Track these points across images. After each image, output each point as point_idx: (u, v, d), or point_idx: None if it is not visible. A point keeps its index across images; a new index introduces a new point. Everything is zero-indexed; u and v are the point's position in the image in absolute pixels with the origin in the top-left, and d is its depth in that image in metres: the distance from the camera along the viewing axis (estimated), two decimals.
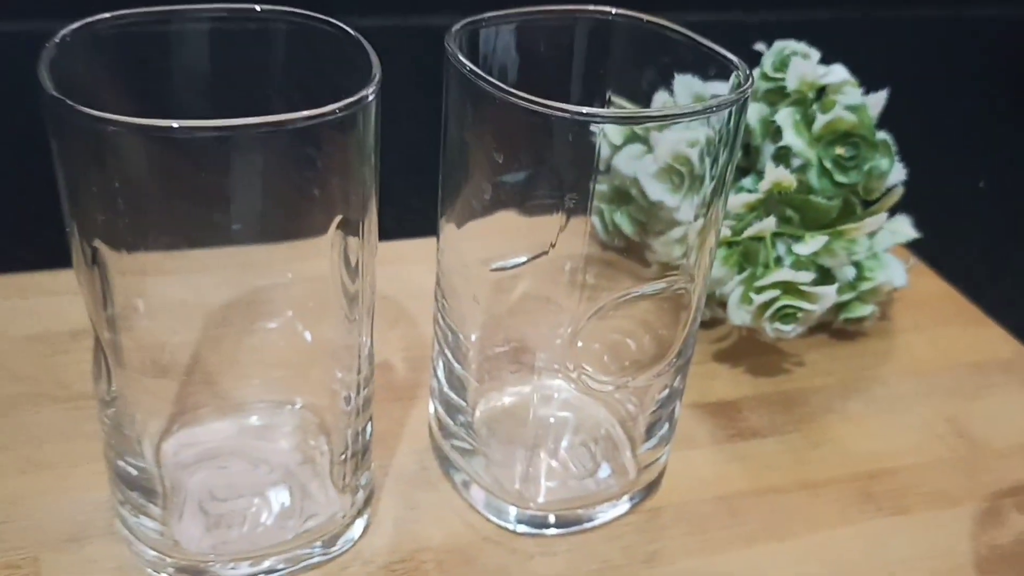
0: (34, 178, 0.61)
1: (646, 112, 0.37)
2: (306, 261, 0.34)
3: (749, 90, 0.32)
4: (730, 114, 0.32)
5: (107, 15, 0.30)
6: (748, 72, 0.33)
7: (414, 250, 0.52)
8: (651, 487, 0.40)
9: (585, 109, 0.30)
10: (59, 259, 0.49)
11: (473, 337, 0.38)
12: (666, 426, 0.38)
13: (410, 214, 0.59)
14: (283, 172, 0.30)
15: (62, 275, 0.48)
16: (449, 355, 0.39)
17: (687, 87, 0.39)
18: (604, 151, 0.44)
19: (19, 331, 0.44)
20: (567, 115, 0.30)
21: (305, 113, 0.27)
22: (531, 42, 0.36)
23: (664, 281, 0.36)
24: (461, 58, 0.32)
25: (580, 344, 0.38)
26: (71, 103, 0.26)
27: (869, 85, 0.48)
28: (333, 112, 0.27)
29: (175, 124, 0.26)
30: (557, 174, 0.35)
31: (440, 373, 0.39)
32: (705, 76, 0.36)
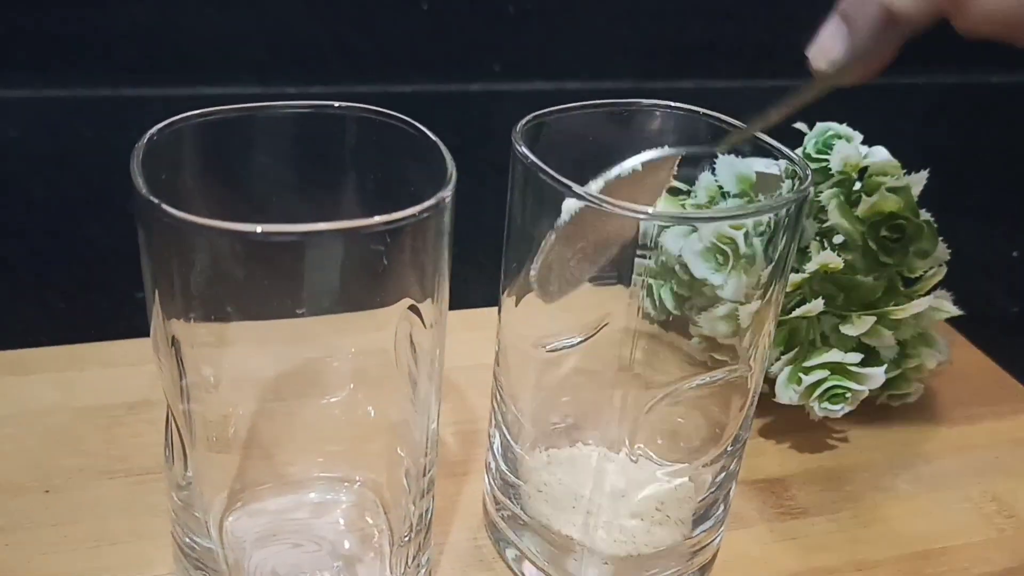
0: (90, 247, 0.63)
1: (706, 214, 0.38)
2: (371, 335, 0.35)
3: (809, 189, 0.33)
4: (790, 206, 0.33)
5: (194, 112, 0.31)
6: (807, 168, 0.34)
7: (463, 320, 0.52)
8: (704, 569, 0.40)
9: (650, 209, 0.31)
10: (115, 329, 0.50)
11: (527, 413, 0.39)
12: (721, 508, 0.39)
13: (459, 284, 0.60)
14: (356, 267, 0.30)
15: (116, 346, 0.49)
16: (506, 431, 0.39)
17: (729, 167, 0.40)
18: (652, 229, 0.45)
19: (77, 403, 0.45)
20: (629, 215, 0.31)
21: (382, 218, 0.28)
22: (592, 132, 0.37)
23: (723, 371, 0.36)
24: (526, 151, 0.33)
25: (634, 423, 0.39)
26: (162, 205, 0.27)
27: (893, 149, 0.49)
28: (411, 216, 0.28)
29: (258, 229, 0.27)
30: (616, 257, 0.36)
31: (496, 449, 0.40)
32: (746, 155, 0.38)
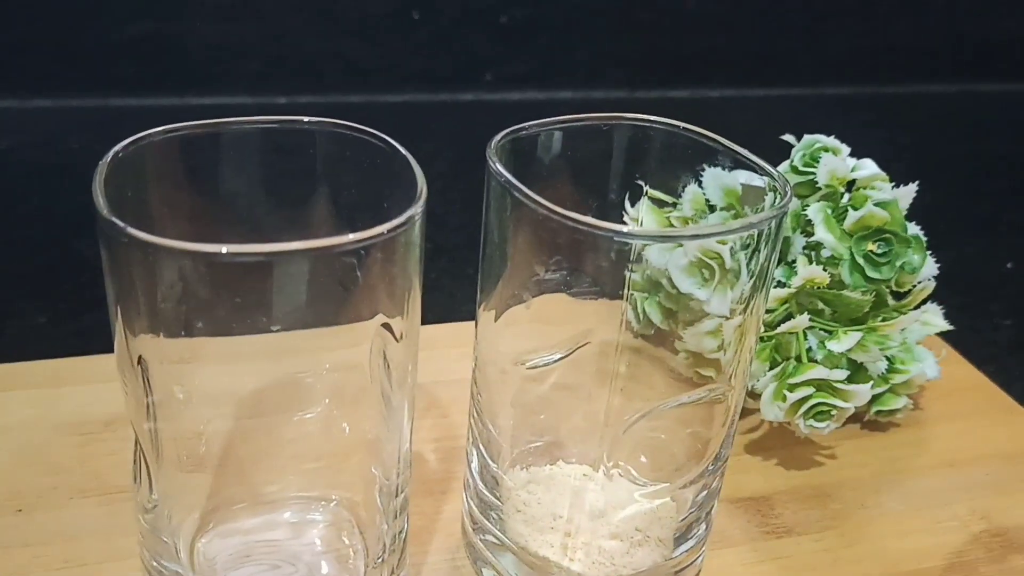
0: (73, 260, 0.62)
1: (685, 232, 0.38)
2: (344, 351, 0.34)
3: (788, 205, 0.33)
4: (770, 222, 0.33)
5: (159, 129, 0.30)
6: (787, 184, 0.34)
7: (445, 335, 0.52)
8: None
9: (625, 228, 0.31)
10: (91, 344, 0.50)
11: (506, 431, 0.39)
12: (703, 527, 0.38)
13: (439, 294, 0.60)
14: (326, 286, 0.30)
15: (91, 361, 0.49)
16: (483, 450, 0.39)
17: (716, 180, 0.39)
18: (634, 243, 0.45)
19: (52, 420, 0.45)
20: (605, 233, 0.31)
21: (352, 237, 0.27)
22: (570, 148, 0.37)
23: (704, 389, 0.36)
24: (500, 168, 0.33)
25: (615, 441, 0.38)
26: (124, 226, 0.26)
27: (885, 162, 0.48)
28: (381, 234, 0.28)
29: (223, 249, 0.26)
30: (594, 273, 0.35)
31: (474, 467, 0.39)
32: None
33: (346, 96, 0.91)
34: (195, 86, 0.87)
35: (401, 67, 0.93)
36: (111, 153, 0.29)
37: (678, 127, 0.37)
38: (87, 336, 0.55)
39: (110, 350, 0.50)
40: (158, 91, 0.86)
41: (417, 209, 0.29)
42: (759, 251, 0.34)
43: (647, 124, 0.37)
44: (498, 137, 0.34)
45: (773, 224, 0.33)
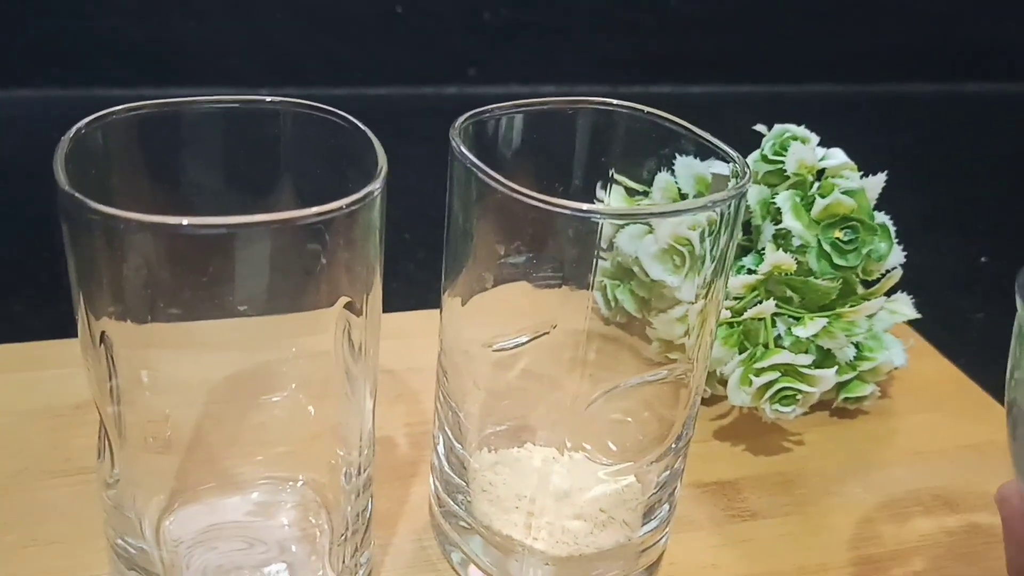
0: (39, 247, 0.62)
1: (646, 209, 0.38)
2: (310, 336, 0.34)
3: (747, 184, 0.33)
4: (729, 204, 0.33)
5: (120, 107, 0.31)
6: (746, 166, 0.34)
7: (417, 322, 0.52)
8: (651, 569, 0.40)
9: (585, 206, 0.31)
10: (64, 329, 0.50)
11: (473, 415, 0.39)
12: (666, 507, 0.39)
13: (414, 286, 0.60)
14: (288, 262, 0.30)
15: (67, 345, 0.48)
16: (449, 433, 0.39)
17: (688, 168, 0.40)
18: (607, 229, 0.45)
19: (23, 404, 0.45)
20: (568, 211, 0.31)
21: (312, 210, 0.27)
22: (535, 131, 0.37)
23: (665, 368, 0.36)
24: (464, 151, 0.33)
25: (580, 424, 0.38)
26: (85, 199, 0.27)
27: (866, 159, 0.49)
28: (340, 208, 0.28)
29: (184, 221, 0.26)
30: (559, 257, 0.36)
31: (440, 450, 0.40)
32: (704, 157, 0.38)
33: (329, 90, 0.92)
34: (176, 79, 0.87)
35: (384, 61, 0.93)
36: (73, 130, 0.29)
37: (642, 111, 0.37)
38: (63, 324, 0.55)
39: None
40: (138, 83, 0.86)
41: (377, 185, 0.29)
42: (719, 235, 0.34)
43: (611, 108, 0.37)
44: (461, 119, 0.34)
45: (732, 205, 0.33)
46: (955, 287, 0.68)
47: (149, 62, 0.86)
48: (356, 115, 0.32)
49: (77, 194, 0.27)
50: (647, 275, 0.42)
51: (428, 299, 0.59)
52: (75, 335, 0.48)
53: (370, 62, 0.92)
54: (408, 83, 0.94)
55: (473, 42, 0.95)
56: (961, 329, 0.62)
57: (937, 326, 0.55)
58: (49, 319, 0.56)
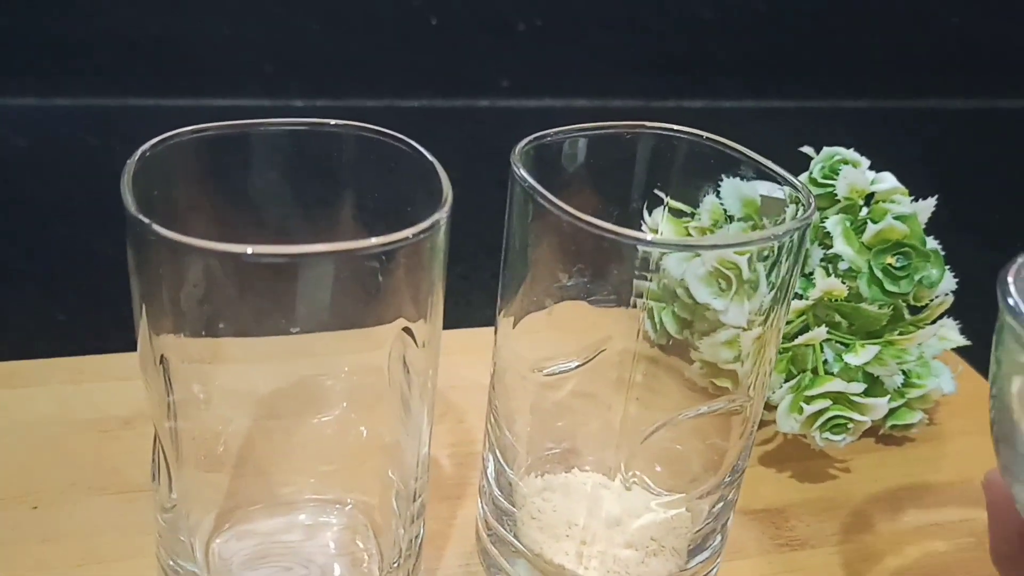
0: (93, 257, 0.63)
1: (706, 241, 0.38)
2: (364, 354, 0.34)
3: (811, 218, 0.33)
4: (793, 235, 0.33)
5: (189, 128, 0.31)
6: (810, 196, 0.34)
7: (462, 340, 0.52)
8: None
9: (649, 236, 0.31)
10: (106, 338, 0.50)
11: (523, 438, 0.39)
12: (719, 538, 0.38)
13: (458, 303, 0.60)
14: (349, 289, 0.30)
15: (113, 359, 0.49)
16: (499, 456, 0.39)
17: (734, 190, 0.39)
18: (655, 253, 0.45)
19: (73, 416, 0.45)
20: (628, 240, 0.31)
21: (376, 240, 0.27)
22: (594, 155, 0.37)
23: (723, 400, 0.36)
24: (524, 174, 0.33)
25: (631, 450, 0.38)
26: (152, 224, 0.27)
27: (903, 175, 0.48)
28: (405, 238, 0.28)
29: (249, 250, 0.26)
30: (611, 280, 0.35)
31: (490, 474, 0.39)
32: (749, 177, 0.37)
33: (363, 100, 0.92)
34: (211, 87, 0.87)
35: (418, 72, 0.93)
36: (139, 152, 0.29)
37: (701, 136, 0.37)
38: (105, 334, 0.55)
39: (128, 348, 0.50)
40: (173, 92, 0.86)
41: (442, 214, 0.29)
42: (780, 263, 0.34)
43: (670, 133, 0.37)
44: (522, 143, 0.34)
45: (795, 237, 0.33)
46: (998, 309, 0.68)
47: (180, 71, 0.86)
48: (389, 126, 0.32)
49: (144, 218, 0.27)
50: (691, 298, 0.42)
51: (468, 312, 0.59)
52: (118, 346, 0.48)
53: (404, 73, 0.92)
54: (440, 95, 0.94)
55: (507, 54, 0.95)
56: None
57: (981, 350, 0.54)
58: (89, 330, 0.57)
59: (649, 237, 0.31)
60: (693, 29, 0.95)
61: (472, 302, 0.61)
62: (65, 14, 0.81)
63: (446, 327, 0.54)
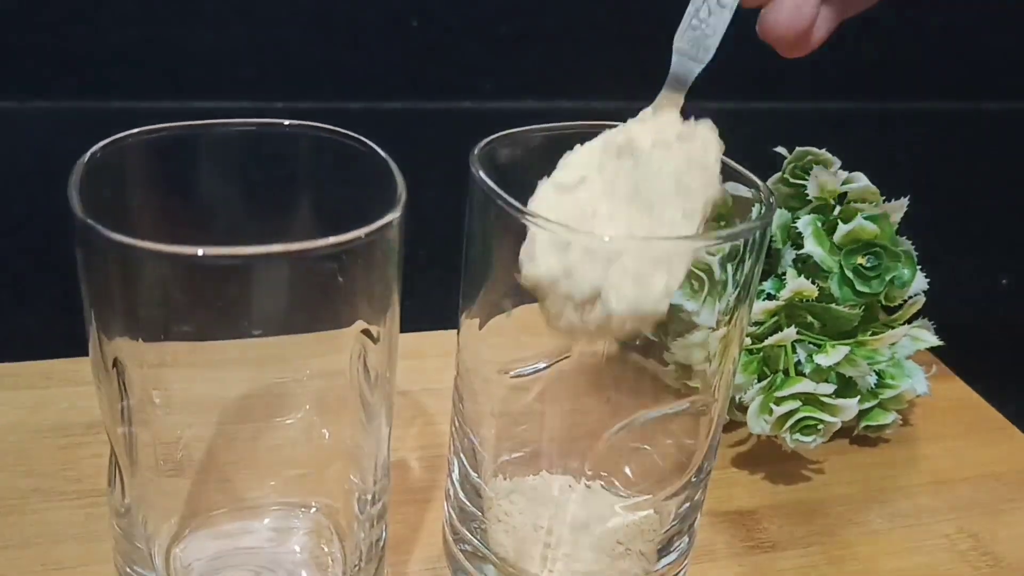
0: (64, 262, 0.62)
1: (670, 237, 0.37)
2: (325, 357, 0.34)
3: (772, 216, 0.32)
4: (755, 232, 0.33)
5: (137, 130, 0.30)
6: (771, 196, 0.33)
7: (433, 343, 0.52)
8: None
9: (607, 236, 0.30)
10: (76, 344, 0.50)
11: (488, 441, 0.38)
12: (686, 539, 0.38)
13: (430, 304, 0.59)
14: (305, 289, 0.30)
15: (77, 363, 0.48)
16: (464, 459, 0.38)
17: None
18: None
19: (36, 422, 0.45)
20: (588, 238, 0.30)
21: (330, 240, 0.27)
22: (556, 154, 0.36)
23: (687, 400, 0.36)
24: (483, 176, 0.33)
25: (598, 452, 0.38)
26: (100, 227, 0.26)
27: (881, 177, 0.48)
28: (359, 238, 0.27)
29: (200, 252, 0.26)
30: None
31: (455, 477, 0.39)
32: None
33: (344, 103, 0.91)
34: (192, 90, 0.87)
35: (399, 74, 0.93)
36: (88, 154, 0.29)
37: None
38: (75, 340, 0.54)
39: None
40: (155, 95, 0.86)
41: (396, 213, 0.29)
42: (744, 261, 0.33)
43: None
44: (481, 144, 0.34)
45: (757, 234, 0.33)
46: (974, 310, 0.67)
47: (161, 73, 0.85)
48: (370, 129, 0.32)
49: (91, 221, 0.27)
50: None
51: (443, 316, 0.58)
52: (84, 352, 0.47)
53: (385, 76, 0.92)
54: (423, 97, 0.93)
55: (489, 56, 0.94)
56: (981, 353, 0.61)
57: (956, 350, 0.54)
58: (60, 334, 0.56)
59: (608, 237, 0.31)
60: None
61: (446, 306, 0.60)
62: (45, 18, 0.81)
63: (421, 330, 0.53)
